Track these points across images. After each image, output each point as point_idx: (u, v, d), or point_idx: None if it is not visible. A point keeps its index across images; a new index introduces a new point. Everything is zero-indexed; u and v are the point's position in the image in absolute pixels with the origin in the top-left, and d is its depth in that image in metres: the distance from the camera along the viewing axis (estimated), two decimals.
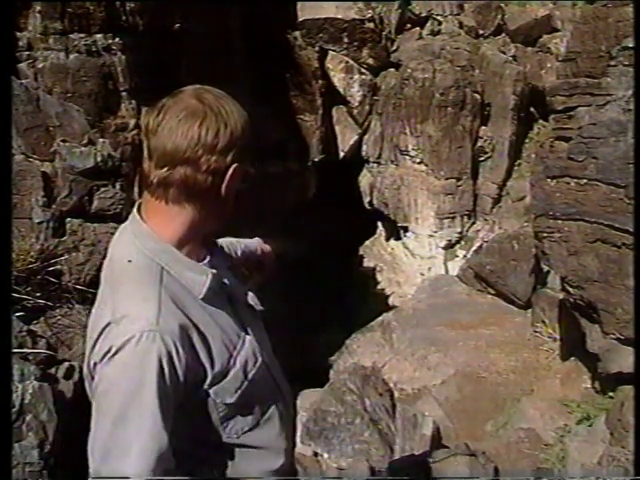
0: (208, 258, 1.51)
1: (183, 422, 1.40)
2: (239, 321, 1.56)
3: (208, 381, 1.41)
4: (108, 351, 1.29)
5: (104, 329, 1.33)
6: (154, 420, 1.27)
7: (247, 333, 1.56)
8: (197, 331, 1.38)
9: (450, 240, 9.39)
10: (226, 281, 1.56)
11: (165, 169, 1.37)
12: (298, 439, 4.60)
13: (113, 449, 1.25)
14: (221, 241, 1.79)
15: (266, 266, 2.05)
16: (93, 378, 1.34)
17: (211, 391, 1.43)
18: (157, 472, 1.25)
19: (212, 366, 1.41)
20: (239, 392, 1.47)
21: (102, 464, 1.26)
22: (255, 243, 2.06)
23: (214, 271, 1.46)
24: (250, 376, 1.50)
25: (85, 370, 1.41)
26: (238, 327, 1.54)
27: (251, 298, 1.68)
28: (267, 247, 2.08)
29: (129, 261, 1.41)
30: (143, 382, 1.27)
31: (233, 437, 1.51)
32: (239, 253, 1.95)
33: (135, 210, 1.47)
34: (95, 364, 1.33)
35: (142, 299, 1.35)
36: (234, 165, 1.40)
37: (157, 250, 1.41)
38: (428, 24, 9.68)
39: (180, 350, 1.32)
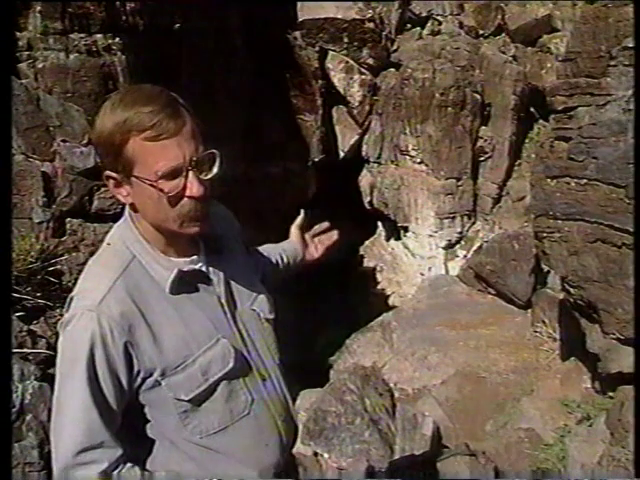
0: (195, 257, 1.54)
1: (145, 410, 1.50)
2: (222, 324, 1.55)
3: (157, 372, 1.45)
4: (62, 322, 1.45)
5: (69, 302, 1.46)
6: (83, 396, 1.38)
7: (229, 338, 1.54)
8: (145, 322, 1.43)
9: (450, 240, 9.39)
10: (219, 282, 1.55)
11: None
12: (298, 439, 4.59)
13: (56, 408, 1.43)
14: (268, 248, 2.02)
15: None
16: None
17: (163, 383, 1.47)
18: (88, 441, 1.38)
19: (161, 359, 1.45)
20: (196, 391, 1.49)
21: (52, 422, 1.45)
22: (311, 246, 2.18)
23: (186, 268, 1.50)
24: (211, 379, 1.50)
25: None
26: (216, 329, 1.53)
27: (258, 304, 1.66)
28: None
29: (108, 244, 1.53)
30: (76, 357, 1.39)
31: (196, 437, 1.52)
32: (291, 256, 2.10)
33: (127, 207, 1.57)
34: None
35: (97, 281, 1.44)
36: (105, 173, 1.46)
37: (132, 239, 1.50)
38: (428, 24, 9.67)
39: (115, 334, 1.39)
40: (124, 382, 1.42)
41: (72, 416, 1.39)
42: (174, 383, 1.46)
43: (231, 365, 1.52)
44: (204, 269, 1.54)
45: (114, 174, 1.43)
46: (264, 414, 1.61)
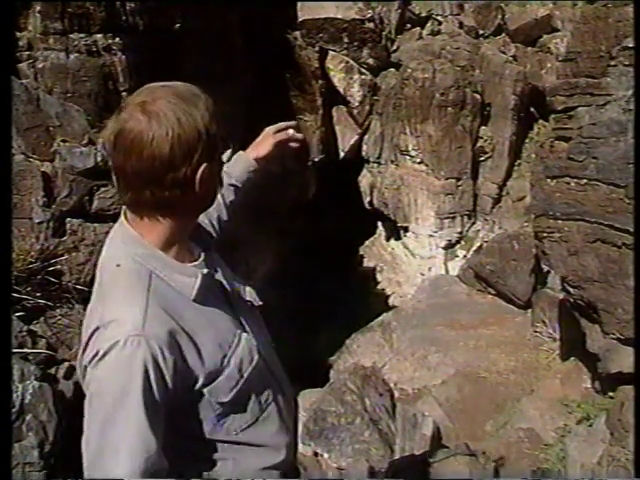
0: (202, 256, 1.52)
1: (180, 421, 1.43)
2: (235, 318, 1.56)
3: (200, 382, 1.42)
4: (96, 354, 1.32)
5: (93, 333, 1.36)
6: (140, 423, 1.28)
7: (244, 330, 1.56)
8: (186, 335, 1.39)
9: (450, 240, 9.39)
10: (221, 278, 1.56)
11: (130, 193, 1.38)
12: (298, 439, 4.59)
13: (103, 450, 1.27)
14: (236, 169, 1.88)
15: (303, 150, 2.02)
16: (84, 379, 1.37)
17: (205, 391, 1.44)
18: (146, 473, 1.27)
19: (203, 368, 1.42)
20: (234, 391, 1.48)
21: (94, 464, 1.29)
22: (271, 140, 1.94)
23: (205, 271, 1.47)
24: (246, 374, 1.50)
25: (78, 371, 1.44)
26: (234, 325, 1.54)
27: (249, 294, 1.67)
28: (287, 135, 1.95)
29: (118, 265, 1.43)
30: (129, 386, 1.29)
31: (232, 434, 1.52)
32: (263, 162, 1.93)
33: (122, 214, 1.48)
34: (85, 367, 1.35)
35: (129, 304, 1.36)
36: (202, 167, 1.37)
37: (145, 255, 1.42)
38: (428, 24, 9.68)
39: (166, 354, 1.33)
40: (176, 401, 1.38)
41: (129, 447, 1.27)
42: (215, 388, 1.45)
43: (257, 357, 1.54)
44: (213, 270, 1.54)
45: (206, 163, 1.38)
46: (280, 398, 1.65)
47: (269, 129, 1.97)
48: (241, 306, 1.62)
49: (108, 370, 1.31)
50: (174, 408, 1.38)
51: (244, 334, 1.54)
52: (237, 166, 1.94)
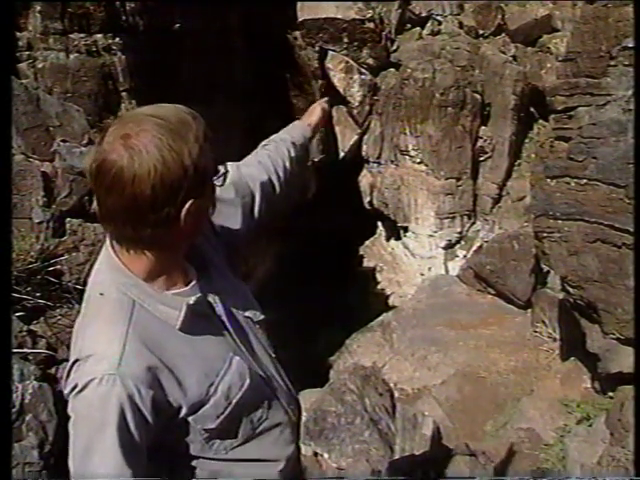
0: (192, 282, 1.47)
1: (168, 442, 1.44)
2: (228, 341, 1.52)
3: (184, 412, 1.41)
4: (74, 387, 1.33)
5: (74, 364, 1.36)
6: (116, 457, 1.29)
7: (237, 352, 1.52)
8: (167, 369, 1.37)
9: (450, 240, 9.39)
10: (215, 299, 1.51)
11: (112, 226, 1.35)
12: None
13: (84, 475, 1.31)
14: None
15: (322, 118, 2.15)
16: (68, 404, 1.38)
17: (190, 419, 1.43)
18: None
19: (186, 399, 1.41)
20: (221, 417, 1.47)
21: None
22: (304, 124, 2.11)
23: (191, 300, 1.42)
24: (234, 401, 1.48)
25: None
26: (226, 349, 1.50)
27: (249, 310, 1.63)
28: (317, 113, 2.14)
29: (101, 294, 1.40)
30: (105, 423, 1.29)
31: (221, 453, 1.52)
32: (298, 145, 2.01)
33: (108, 241, 1.44)
34: (67, 394, 1.37)
35: (108, 339, 1.34)
36: (187, 204, 1.31)
37: (128, 284, 1.39)
38: (428, 24, 9.67)
39: (143, 391, 1.32)
40: (154, 433, 1.37)
41: (107, 477, 1.30)
42: (200, 416, 1.44)
43: (248, 381, 1.51)
44: (204, 295, 1.49)
45: (195, 199, 1.33)
46: (278, 412, 1.63)
47: (321, 101, 2.19)
48: (239, 324, 1.58)
49: (85, 405, 1.32)
50: (159, 434, 1.38)
51: (236, 358, 1.50)
52: (295, 131, 2.06)
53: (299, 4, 9.03)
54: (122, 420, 1.29)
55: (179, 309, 1.41)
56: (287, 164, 1.92)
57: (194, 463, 1.51)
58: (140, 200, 1.25)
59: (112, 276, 1.40)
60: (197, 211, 1.34)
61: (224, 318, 1.52)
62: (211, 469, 1.52)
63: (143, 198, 1.25)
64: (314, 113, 2.12)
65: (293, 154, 1.96)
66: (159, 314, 1.40)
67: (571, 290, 4.74)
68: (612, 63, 4.70)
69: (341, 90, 9.41)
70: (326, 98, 2.26)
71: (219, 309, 1.51)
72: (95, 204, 1.36)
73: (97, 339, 1.35)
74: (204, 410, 1.44)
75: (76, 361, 1.36)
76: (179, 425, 1.43)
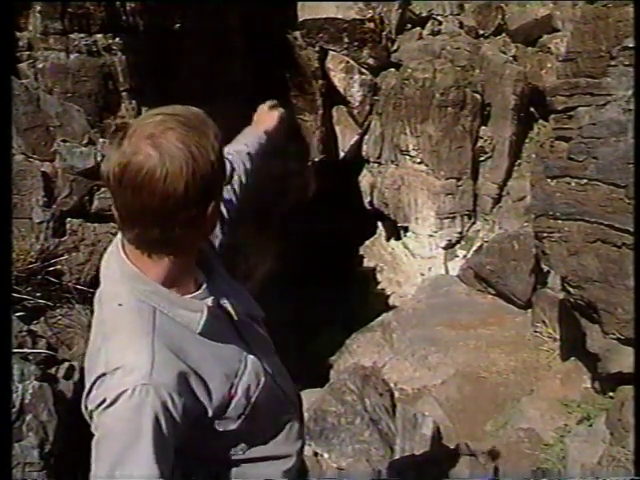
0: (204, 285, 1.47)
1: (189, 447, 1.42)
2: (241, 341, 1.54)
3: (210, 415, 1.42)
4: (102, 402, 1.29)
5: (98, 378, 1.33)
6: (150, 468, 1.27)
7: (250, 351, 1.54)
8: (194, 373, 1.37)
9: (450, 240, 9.39)
10: (226, 302, 1.52)
11: (136, 230, 1.31)
12: None
13: None
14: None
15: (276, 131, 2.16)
16: (90, 418, 1.35)
17: (215, 421, 1.44)
18: None
19: (211, 402, 1.41)
20: (242, 417, 1.48)
21: None
22: (259, 130, 2.13)
23: (209, 302, 1.42)
24: (253, 399, 1.50)
25: (82, 407, 1.40)
26: (240, 349, 1.52)
27: (251, 309, 1.65)
28: (271, 120, 2.16)
29: (119, 305, 1.38)
30: (139, 434, 1.27)
31: (239, 453, 1.54)
32: (254, 151, 2.02)
33: (120, 246, 1.41)
34: (91, 411, 1.33)
35: (135, 351, 1.32)
36: (211, 205, 1.32)
37: (147, 292, 1.37)
38: (428, 24, 9.67)
39: (176, 399, 1.31)
40: (185, 435, 1.37)
41: None
42: (224, 418, 1.45)
43: (263, 379, 1.53)
44: (216, 297, 1.48)
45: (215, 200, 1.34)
46: (287, 407, 1.66)
47: (263, 106, 2.18)
48: (246, 324, 1.59)
49: (116, 418, 1.28)
50: (182, 439, 1.37)
51: (250, 357, 1.52)
52: (249, 138, 2.07)
53: (299, 4, 9.03)
54: (157, 430, 1.28)
55: (200, 312, 1.40)
56: (247, 165, 2.01)
57: (213, 467, 1.53)
58: (172, 198, 1.24)
59: (129, 285, 1.38)
60: (215, 210, 1.35)
61: (235, 319, 1.53)
62: (231, 470, 1.55)
63: (176, 196, 1.24)
64: (265, 121, 2.15)
65: (249, 165, 2.02)
66: (180, 319, 1.39)
67: (571, 290, 4.75)
68: (612, 63, 4.70)
69: (341, 90, 9.41)
70: (274, 101, 2.22)
71: (230, 310, 1.52)
72: (113, 209, 1.32)
73: (123, 351, 1.32)
74: (227, 412, 1.45)
75: (102, 375, 1.32)
76: (200, 430, 1.43)
